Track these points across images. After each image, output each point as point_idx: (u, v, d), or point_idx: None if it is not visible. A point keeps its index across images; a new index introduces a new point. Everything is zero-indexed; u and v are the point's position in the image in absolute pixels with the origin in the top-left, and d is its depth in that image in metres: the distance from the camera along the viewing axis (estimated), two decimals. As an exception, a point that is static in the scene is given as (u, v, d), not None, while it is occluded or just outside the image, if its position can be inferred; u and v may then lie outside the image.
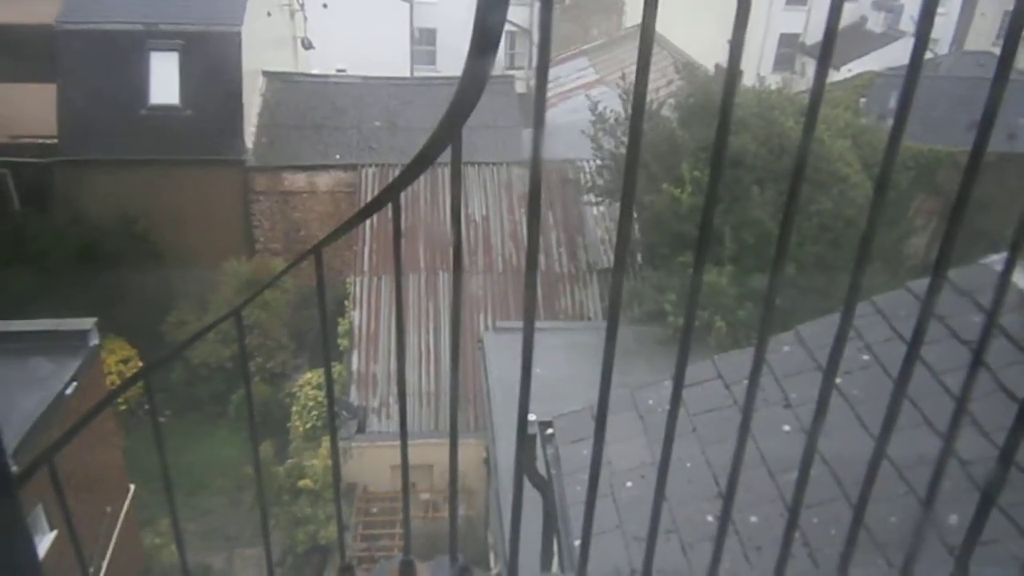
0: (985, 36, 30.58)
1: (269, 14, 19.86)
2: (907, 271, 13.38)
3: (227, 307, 1.43)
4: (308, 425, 13.34)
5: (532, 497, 4.56)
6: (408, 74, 25.54)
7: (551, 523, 4.29)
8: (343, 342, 14.60)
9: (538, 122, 0.97)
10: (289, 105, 18.78)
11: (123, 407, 13.31)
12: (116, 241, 15.91)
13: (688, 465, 3.74)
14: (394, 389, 13.88)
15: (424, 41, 28.93)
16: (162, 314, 15.85)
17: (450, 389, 1.23)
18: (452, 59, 26.04)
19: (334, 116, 18.76)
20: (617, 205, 14.51)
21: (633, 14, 29.48)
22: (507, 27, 27.95)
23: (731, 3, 0.93)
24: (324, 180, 17.86)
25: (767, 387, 4.03)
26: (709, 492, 3.56)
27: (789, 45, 31.74)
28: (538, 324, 12.55)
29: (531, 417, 4.68)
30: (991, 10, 31.15)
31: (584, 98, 17.53)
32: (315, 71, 21.58)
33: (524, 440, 1.19)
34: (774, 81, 15.25)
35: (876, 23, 30.87)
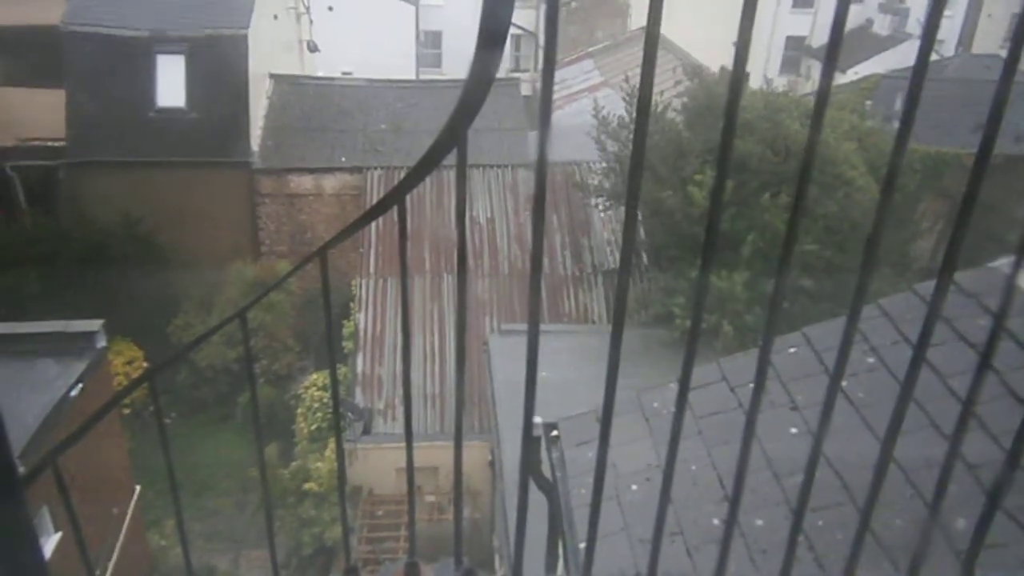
0: (992, 38, 30.46)
1: (275, 17, 19.91)
2: (914, 274, 13.33)
3: (233, 309, 1.44)
4: (313, 427, 13.35)
5: (537, 500, 4.56)
6: (413, 77, 25.60)
7: (556, 526, 4.29)
8: (348, 344, 14.61)
9: (543, 124, 0.97)
10: (295, 108, 18.83)
11: (128, 409, 13.34)
12: (123, 243, 15.95)
13: (693, 468, 3.73)
14: (399, 391, 13.90)
15: (429, 44, 28.98)
16: (168, 316, 15.89)
17: (456, 391, 1.23)
18: (457, 62, 26.10)
19: (340, 119, 18.80)
20: (623, 207, 14.51)
21: (638, 17, 29.48)
22: (513, 30, 28.00)
23: (736, 5, 0.93)
24: (330, 183, 17.89)
25: (773, 390, 4.02)
26: (715, 495, 3.55)
27: (795, 48, 31.71)
28: (543, 327, 12.47)
29: (536, 420, 4.68)
30: (998, 12, 31.04)
31: (589, 100, 17.52)
32: (321, 74, 21.63)
33: (529, 443, 1.19)
34: (780, 84, 15.21)
35: (882, 26, 30.81)
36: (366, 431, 13.23)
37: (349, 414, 13.32)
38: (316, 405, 13.52)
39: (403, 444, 1.53)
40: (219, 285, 15.47)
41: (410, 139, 17.82)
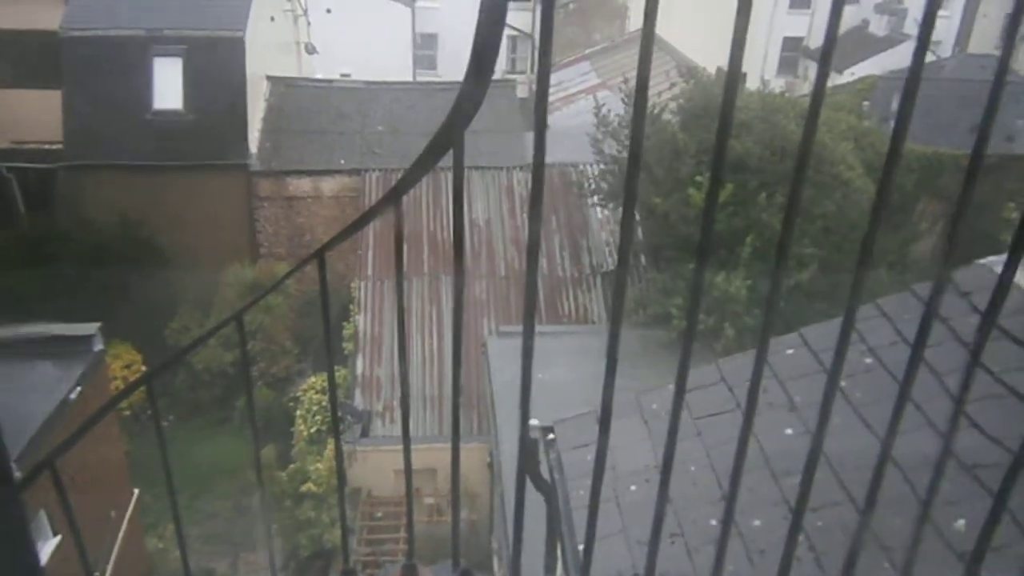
0: (988, 38, 30.51)
1: (273, 19, 19.91)
2: (912, 274, 13.35)
3: (231, 312, 1.43)
4: (312, 429, 13.34)
5: (536, 501, 4.55)
6: (410, 79, 25.60)
7: (554, 527, 4.28)
8: (347, 346, 14.61)
9: (539, 130, 0.97)
10: (293, 110, 18.82)
11: (126, 412, 13.32)
12: (120, 246, 15.93)
13: (692, 469, 3.73)
14: (398, 393, 13.87)
15: (426, 46, 28.99)
16: (166, 319, 15.87)
17: (452, 393, 1.23)
18: (453, 64, 26.10)
19: (338, 121, 18.80)
20: (620, 208, 14.51)
21: (636, 18, 29.51)
22: (509, 31, 28.05)
23: (734, 6, 0.93)
24: (328, 185, 17.89)
25: (771, 390, 4.02)
26: (713, 495, 3.55)
27: (793, 49, 31.72)
28: (541, 328, 12.48)
29: (534, 422, 4.68)
30: (993, 12, 31.10)
31: (587, 102, 17.54)
32: (318, 76, 21.63)
33: (526, 445, 1.19)
34: (777, 85, 15.24)
35: (879, 26, 30.83)
36: (365, 433, 13.23)
37: (348, 416, 13.31)
38: (315, 408, 13.51)
39: (402, 446, 1.53)
40: (217, 288, 15.46)
41: (407, 141, 17.82)
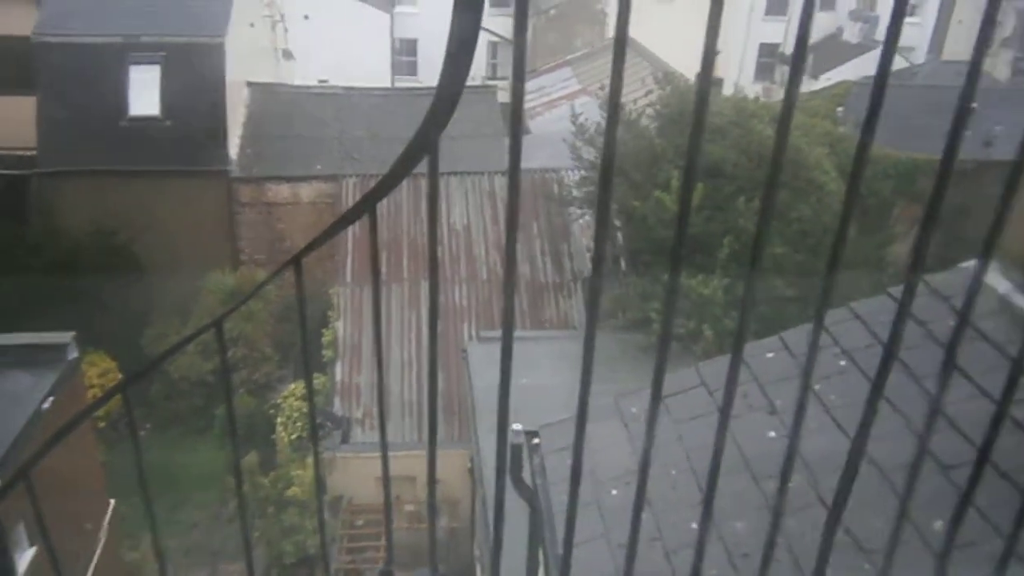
0: (963, 44, 31.00)
1: (252, 25, 19.82)
2: (889, 278, 13.51)
3: (210, 319, 1.42)
4: (294, 436, 13.25)
5: (520, 507, 4.55)
6: (389, 84, 25.56)
7: (537, 532, 4.28)
8: (327, 353, 14.53)
9: (515, 137, 0.97)
10: (273, 116, 18.73)
11: (102, 423, 13.15)
12: (97, 253, 15.76)
13: (673, 472, 3.74)
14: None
15: (405, 52, 28.98)
16: (144, 327, 15.72)
17: (428, 399, 1.23)
18: (433, 70, 25.92)
19: (316, 127, 18.73)
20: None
21: (613, 25, 29.61)
22: (489, 37, 28.11)
23: (720, 19, 0.94)
24: (307, 191, 17.82)
25: (751, 393, 4.05)
26: (694, 499, 3.57)
27: (769, 55, 32.04)
28: (523, 333, 12.48)
29: (516, 427, 4.68)
30: (968, 17, 31.60)
31: (568, 108, 17.60)
32: (297, 82, 21.55)
33: (504, 451, 1.19)
34: (753, 91, 15.40)
35: (852, 33, 31.27)
36: (345, 440, 13.15)
37: (328, 423, 13.24)
38: (296, 415, 13.42)
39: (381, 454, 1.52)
40: (196, 295, 15.33)
41: (386, 147, 17.78)
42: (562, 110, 20.22)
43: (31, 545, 8.52)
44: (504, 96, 22.83)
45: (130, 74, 16.79)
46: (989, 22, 0.93)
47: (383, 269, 15.47)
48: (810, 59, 29.25)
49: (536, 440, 4.54)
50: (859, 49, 29.44)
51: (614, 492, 3.89)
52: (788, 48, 31.49)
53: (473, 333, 14.56)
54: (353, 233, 15.09)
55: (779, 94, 28.83)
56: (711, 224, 12.05)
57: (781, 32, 31.39)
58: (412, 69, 28.95)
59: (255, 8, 20.43)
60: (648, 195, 12.68)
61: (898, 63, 27.13)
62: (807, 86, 27.58)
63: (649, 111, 14.29)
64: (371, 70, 24.60)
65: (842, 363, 3.91)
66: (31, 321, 11.18)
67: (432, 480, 1.33)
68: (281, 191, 17.73)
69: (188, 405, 15.33)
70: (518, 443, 4.45)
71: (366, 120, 18.88)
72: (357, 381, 14.18)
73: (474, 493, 11.89)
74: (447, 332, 14.71)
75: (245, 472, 12.64)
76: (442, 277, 15.46)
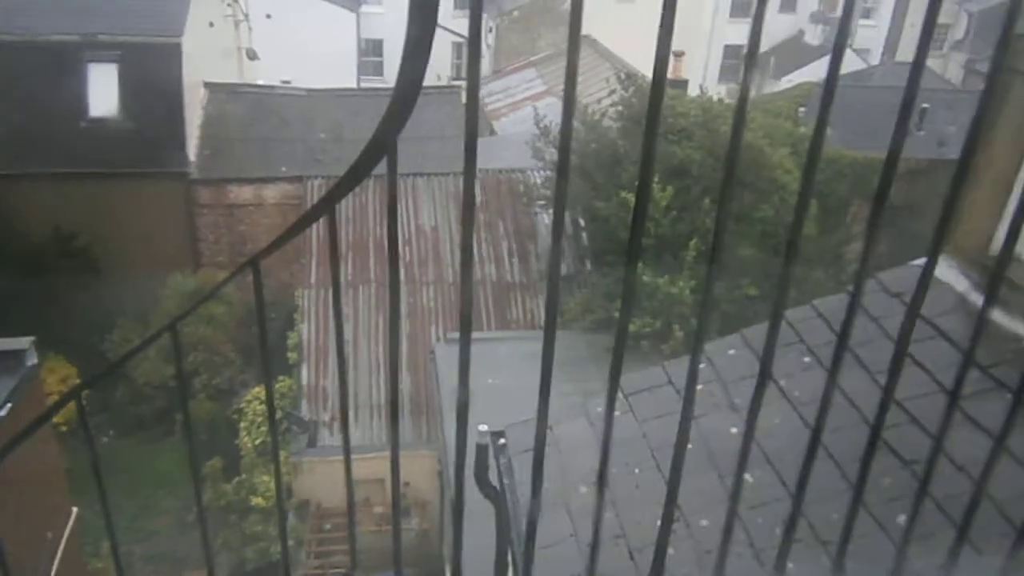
0: (915, 46, 31.69)
1: (212, 24, 19.53)
2: (849, 276, 13.75)
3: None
4: (258, 441, 13.08)
5: (487, 509, 4.55)
6: (355, 85, 25.39)
7: (504, 533, 4.28)
8: (293, 356, 14.39)
9: (469, 142, 0.97)
10: (233, 117, 18.49)
11: (63, 428, 12.88)
12: (55, 257, 15.45)
13: (637, 471, 3.78)
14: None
15: (371, 52, 28.83)
16: (105, 331, 15.43)
17: (390, 402, 1.22)
18: (400, 70, 25.91)
19: (279, 128, 18.53)
20: (567, 214, 14.64)
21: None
22: (453, 38, 28.07)
23: (679, 14, 0.95)
24: (271, 193, 17.62)
25: (715, 392, 4.10)
26: (659, 497, 3.59)
27: (734, 56, 32.45)
28: (490, 334, 12.47)
29: (483, 427, 4.67)
30: (920, 20, 32.30)
31: (533, 109, 17.63)
32: (260, 82, 21.30)
33: (463, 458, 1.19)
34: (718, 92, 15.58)
35: (813, 36, 31.83)
36: (311, 443, 13.03)
37: (294, 427, 13.10)
38: (260, 419, 13.24)
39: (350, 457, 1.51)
40: (157, 299, 15.09)
41: (351, 148, 17.58)
42: (527, 111, 20.27)
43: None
44: (469, 97, 22.81)
45: (89, 74, 16.48)
46: (929, 26, 0.96)
47: (349, 271, 15.36)
48: (772, 61, 29.71)
49: (502, 440, 4.54)
50: (820, 51, 29.97)
51: (583, 491, 3.91)
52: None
53: (441, 335, 14.52)
54: (318, 235, 14.97)
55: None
56: (678, 225, 12.16)
57: (746, 34, 31.77)
58: (378, 69, 28.82)
59: (216, 8, 20.15)
60: (612, 196, 12.76)
61: (856, 64, 27.68)
62: (770, 87, 28.00)
63: (612, 112, 14.37)
64: (337, 70, 24.43)
65: (806, 359, 3.98)
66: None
67: (396, 487, 1.33)
68: (243, 193, 17.52)
69: (151, 409, 15.08)
70: (484, 443, 4.45)
71: (330, 121, 18.73)
72: (324, 384, 14.06)
73: (443, 494, 11.86)
74: (415, 334, 14.66)
75: (208, 479, 12.47)
76: (410, 279, 15.39)
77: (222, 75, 19.59)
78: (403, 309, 14.76)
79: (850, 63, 27.37)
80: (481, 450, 4.61)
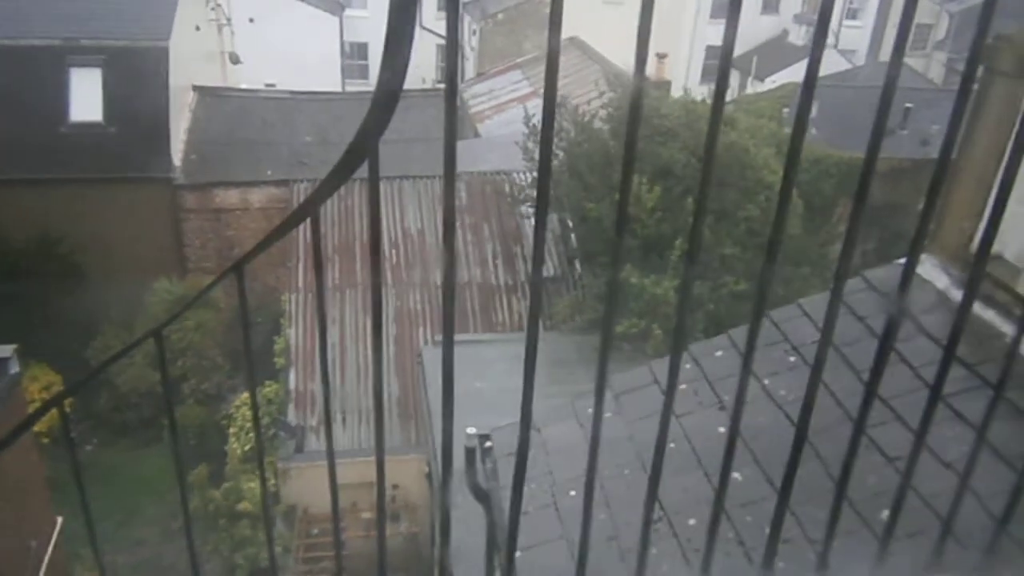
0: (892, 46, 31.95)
1: (197, 28, 19.46)
2: (834, 275, 13.81)
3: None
4: (246, 447, 13.02)
5: (477, 511, 4.54)
6: (340, 88, 25.32)
7: (492, 536, 4.28)
8: (280, 360, 14.32)
9: (449, 145, 0.97)
10: (219, 120, 18.42)
11: (45, 439, 12.76)
12: (38, 264, 15.33)
13: (626, 472, 3.78)
14: (334, 407, 13.68)
15: (356, 55, 28.77)
16: (89, 339, 15.31)
17: (374, 405, 1.22)
18: (385, 73, 25.87)
19: (264, 131, 18.47)
20: (555, 215, 14.66)
21: (567, 28, 29.82)
22: (439, 41, 28.03)
23: (663, 19, 0.95)
24: (257, 196, 17.56)
25: (701, 391, 4.11)
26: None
27: (716, 57, 32.55)
28: (476, 336, 12.43)
29: (470, 430, 4.66)
30: (904, 22, 32.55)
31: (519, 111, 17.63)
32: (244, 86, 21.22)
33: (450, 463, 1.19)
34: (700, 93, 15.64)
35: (798, 36, 32.00)
36: (299, 449, 12.96)
37: (281, 432, 13.03)
38: (248, 424, 13.19)
39: (338, 461, 1.51)
40: (142, 305, 15.00)
41: (336, 151, 16.98)
42: (512, 113, 20.28)
43: (-28, 567, 8.23)
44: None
45: (71, 78, 16.36)
46: (905, 25, 0.97)
47: (335, 275, 15.32)
48: (755, 61, 29.85)
49: (489, 443, 4.54)
50: (805, 52, 30.07)
51: (572, 493, 3.91)
52: (735, 50, 32.08)
53: (428, 338, 14.49)
54: (304, 239, 14.91)
55: (727, 95, 29.35)
56: (663, 225, 12.19)
57: (727, 35, 31.91)
58: (363, 73, 28.76)
59: (201, 11, 20.06)
60: (602, 197, 12.77)
61: (841, 65, 27.87)
62: (754, 88, 28.15)
63: (602, 113, 14.39)
64: (321, 74, 24.36)
65: (792, 359, 4.00)
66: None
67: (381, 493, 1.32)
68: (229, 197, 17.44)
69: (137, 416, 14.98)
70: (471, 446, 4.44)
71: (315, 125, 18.69)
72: (311, 389, 14.00)
73: (432, 498, 11.83)
74: (403, 337, 14.62)
75: (195, 485, 12.40)
76: (397, 282, 15.36)
77: (206, 79, 19.52)
78: (390, 312, 14.72)
79: (836, 63, 27.55)
80: (469, 453, 4.60)
